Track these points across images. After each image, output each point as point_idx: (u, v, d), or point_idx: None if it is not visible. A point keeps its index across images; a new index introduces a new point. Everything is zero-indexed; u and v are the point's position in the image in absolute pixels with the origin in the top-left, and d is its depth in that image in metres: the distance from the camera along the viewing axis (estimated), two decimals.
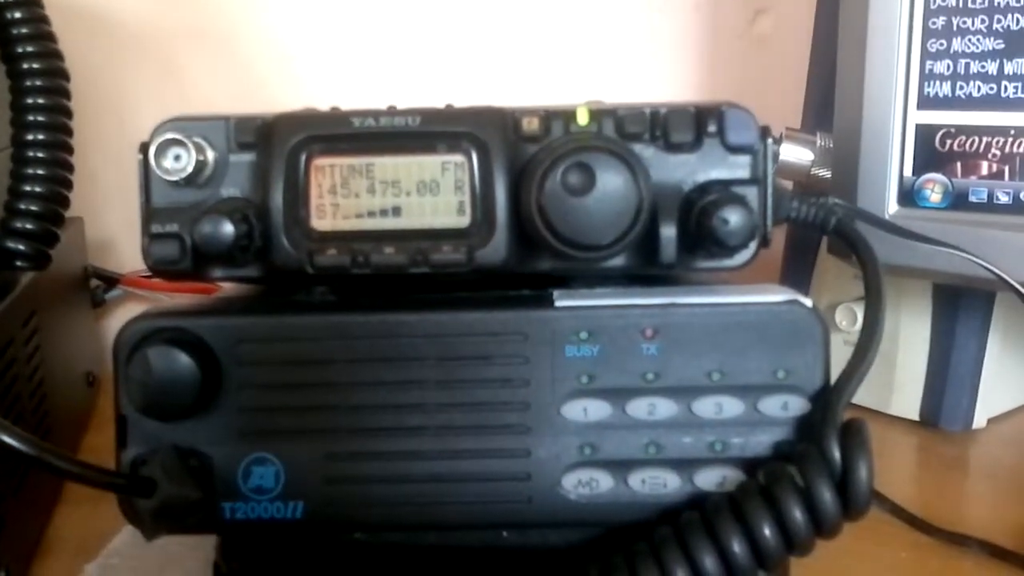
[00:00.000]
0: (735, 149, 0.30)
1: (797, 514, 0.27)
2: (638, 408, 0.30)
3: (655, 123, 0.30)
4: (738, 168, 0.30)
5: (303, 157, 0.30)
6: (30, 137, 0.40)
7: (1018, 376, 0.55)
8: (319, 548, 0.32)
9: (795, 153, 0.49)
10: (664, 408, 0.30)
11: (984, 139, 0.43)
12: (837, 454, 0.28)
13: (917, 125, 0.44)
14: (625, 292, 0.31)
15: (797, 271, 0.58)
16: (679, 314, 0.30)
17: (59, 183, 0.41)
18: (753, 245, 0.30)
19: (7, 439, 0.27)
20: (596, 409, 0.30)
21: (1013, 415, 0.55)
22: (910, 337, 0.53)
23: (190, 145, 0.30)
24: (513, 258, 0.30)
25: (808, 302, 0.30)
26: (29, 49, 0.40)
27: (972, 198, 0.43)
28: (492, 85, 0.68)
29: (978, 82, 0.42)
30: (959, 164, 0.43)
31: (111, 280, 0.65)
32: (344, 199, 0.30)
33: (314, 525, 0.30)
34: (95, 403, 0.57)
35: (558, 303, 0.30)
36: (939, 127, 0.43)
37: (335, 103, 0.31)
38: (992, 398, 0.53)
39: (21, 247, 0.40)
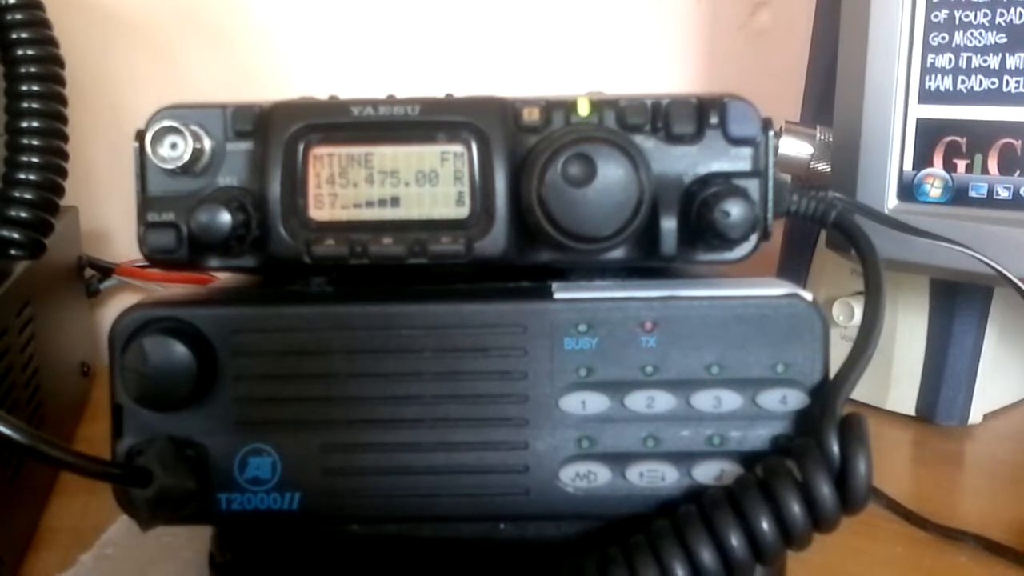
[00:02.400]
0: (737, 141, 0.30)
1: (795, 508, 0.27)
2: (636, 401, 0.30)
3: (656, 114, 0.30)
4: (739, 160, 0.30)
5: (301, 146, 0.29)
6: (25, 124, 0.40)
7: (1014, 371, 0.55)
8: (315, 540, 0.31)
9: (794, 147, 0.49)
10: (663, 401, 0.30)
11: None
12: (836, 449, 0.28)
13: (918, 119, 0.44)
14: (624, 285, 0.31)
15: (795, 265, 0.58)
16: (678, 307, 0.30)
17: (54, 171, 0.41)
18: (754, 238, 0.30)
19: (2, 428, 0.26)
20: (594, 402, 0.30)
21: (1009, 410, 0.55)
22: (907, 332, 0.53)
23: (187, 133, 0.30)
24: (512, 250, 0.30)
25: (808, 296, 0.30)
26: (24, 36, 0.40)
27: (972, 193, 0.43)
28: (492, 75, 0.68)
29: (980, 76, 0.42)
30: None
31: (106, 270, 0.64)
32: (342, 189, 0.29)
33: (310, 516, 0.30)
34: (90, 393, 0.57)
35: (557, 295, 0.30)
36: (940, 121, 0.43)
37: (334, 92, 0.31)
38: (988, 393, 0.53)
39: (15, 235, 0.39)
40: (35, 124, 0.40)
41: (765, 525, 0.27)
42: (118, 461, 0.30)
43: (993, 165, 0.43)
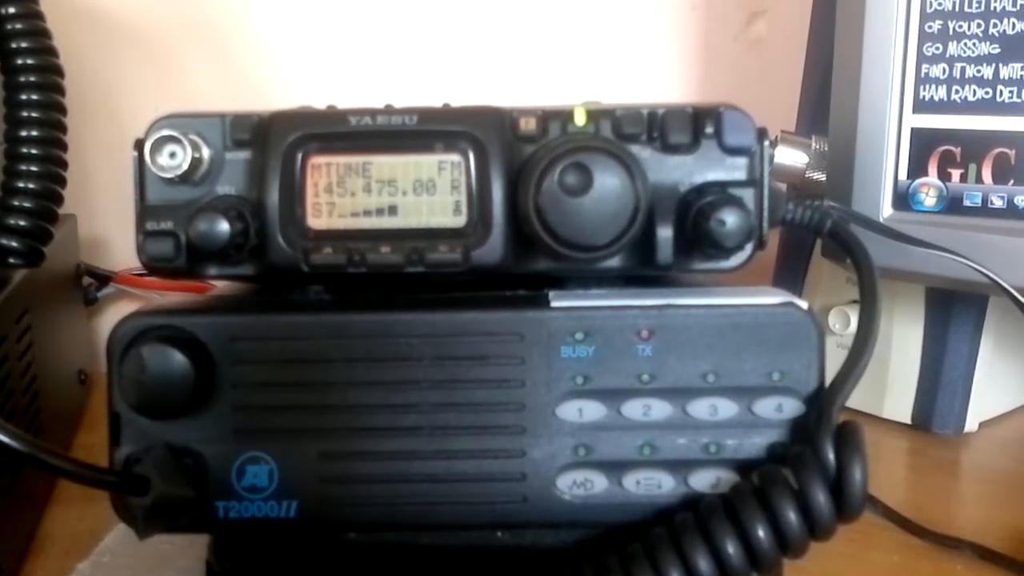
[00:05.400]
0: (732, 151, 0.30)
1: (791, 516, 0.27)
2: (633, 409, 0.30)
3: (652, 124, 0.30)
4: (735, 170, 0.30)
5: (299, 155, 0.30)
6: (24, 133, 0.40)
7: (1010, 380, 0.55)
8: (313, 548, 0.31)
9: (790, 156, 0.49)
10: (659, 409, 0.30)
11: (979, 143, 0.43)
12: (831, 457, 0.28)
13: (912, 129, 0.44)
14: (621, 293, 0.31)
15: (790, 274, 0.58)
16: (674, 315, 0.30)
17: (53, 180, 0.41)
18: (749, 247, 0.30)
19: (0, 436, 0.27)
20: (591, 410, 0.30)
21: (1005, 419, 0.55)
22: (903, 340, 0.53)
23: (186, 142, 0.30)
24: (509, 258, 0.30)
25: (803, 304, 0.30)
26: (24, 45, 0.40)
27: (966, 202, 0.43)
28: (489, 85, 0.68)
29: (974, 86, 0.42)
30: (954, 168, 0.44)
31: (104, 278, 0.64)
32: (340, 198, 0.30)
33: (308, 525, 0.30)
34: (87, 401, 0.57)
35: (554, 304, 0.30)
36: (934, 131, 0.44)
37: (332, 101, 0.31)
38: (984, 402, 0.53)
39: (14, 244, 0.39)
40: (34, 133, 0.40)
41: (761, 533, 0.27)
42: (116, 469, 0.30)
43: (987, 174, 0.43)
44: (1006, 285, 0.38)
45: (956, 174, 0.43)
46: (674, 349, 0.30)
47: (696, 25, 0.69)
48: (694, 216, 0.29)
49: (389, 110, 0.30)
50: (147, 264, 0.30)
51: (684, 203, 0.30)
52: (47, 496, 0.44)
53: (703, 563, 0.27)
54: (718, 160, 0.30)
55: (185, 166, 0.30)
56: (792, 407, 0.30)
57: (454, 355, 0.30)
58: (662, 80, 0.70)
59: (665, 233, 0.30)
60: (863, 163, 0.45)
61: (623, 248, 0.29)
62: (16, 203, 0.39)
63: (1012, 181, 0.42)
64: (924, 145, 0.44)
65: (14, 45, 0.40)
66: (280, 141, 0.30)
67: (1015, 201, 0.42)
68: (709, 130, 0.30)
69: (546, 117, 0.30)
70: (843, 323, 0.53)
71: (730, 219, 0.29)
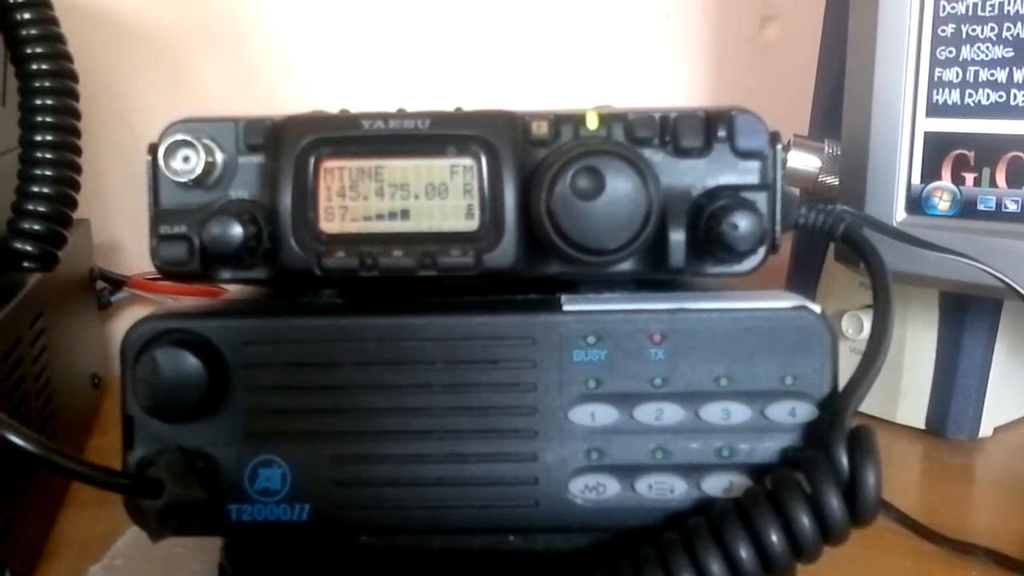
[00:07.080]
0: (745, 154, 0.30)
1: (804, 521, 0.27)
2: (645, 413, 0.30)
3: (665, 128, 0.30)
4: (747, 173, 0.30)
5: (312, 159, 0.30)
6: (38, 138, 0.40)
7: None
8: (325, 551, 0.31)
9: (803, 160, 0.49)
10: (671, 413, 0.30)
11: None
12: (845, 461, 0.28)
13: (926, 133, 0.44)
14: (633, 297, 0.31)
15: (803, 278, 0.58)
16: (687, 319, 0.30)
17: (67, 184, 0.41)
18: (762, 251, 0.30)
19: (14, 439, 0.27)
20: (604, 414, 0.30)
21: (1019, 424, 0.55)
22: (917, 345, 0.53)
23: (199, 146, 0.30)
24: (521, 262, 0.30)
25: (816, 308, 0.30)
26: (38, 50, 0.40)
27: (980, 206, 0.43)
28: (502, 89, 0.68)
29: (987, 90, 0.42)
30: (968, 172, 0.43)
31: (117, 282, 0.65)
32: (353, 202, 0.30)
33: (320, 528, 0.30)
34: (100, 405, 0.57)
35: (566, 307, 0.30)
36: (948, 135, 0.43)
37: (344, 105, 0.32)
38: (998, 407, 0.53)
39: (28, 248, 0.40)
40: (48, 137, 0.40)
41: (774, 537, 0.27)
42: (129, 472, 0.30)
43: (1001, 178, 0.43)
44: (1020, 289, 0.38)
45: (970, 178, 0.43)
46: (687, 353, 0.30)
47: (708, 29, 0.69)
48: (706, 220, 0.29)
49: (401, 114, 0.30)
50: (161, 268, 0.31)
51: (696, 207, 0.30)
52: (60, 499, 0.45)
53: (716, 568, 0.27)
54: (730, 164, 0.30)
55: (199, 170, 0.30)
56: (805, 411, 0.30)
57: (466, 359, 0.30)
58: (674, 85, 0.70)
59: (677, 237, 0.30)
60: (876, 167, 0.44)
61: (635, 252, 0.29)
62: (30, 207, 0.40)
63: None
64: (937, 149, 0.44)
65: (28, 50, 0.40)
66: (293, 145, 0.30)
67: None
68: (722, 134, 0.30)
69: (558, 121, 0.30)
70: (856, 328, 0.53)
71: (743, 223, 0.29)
